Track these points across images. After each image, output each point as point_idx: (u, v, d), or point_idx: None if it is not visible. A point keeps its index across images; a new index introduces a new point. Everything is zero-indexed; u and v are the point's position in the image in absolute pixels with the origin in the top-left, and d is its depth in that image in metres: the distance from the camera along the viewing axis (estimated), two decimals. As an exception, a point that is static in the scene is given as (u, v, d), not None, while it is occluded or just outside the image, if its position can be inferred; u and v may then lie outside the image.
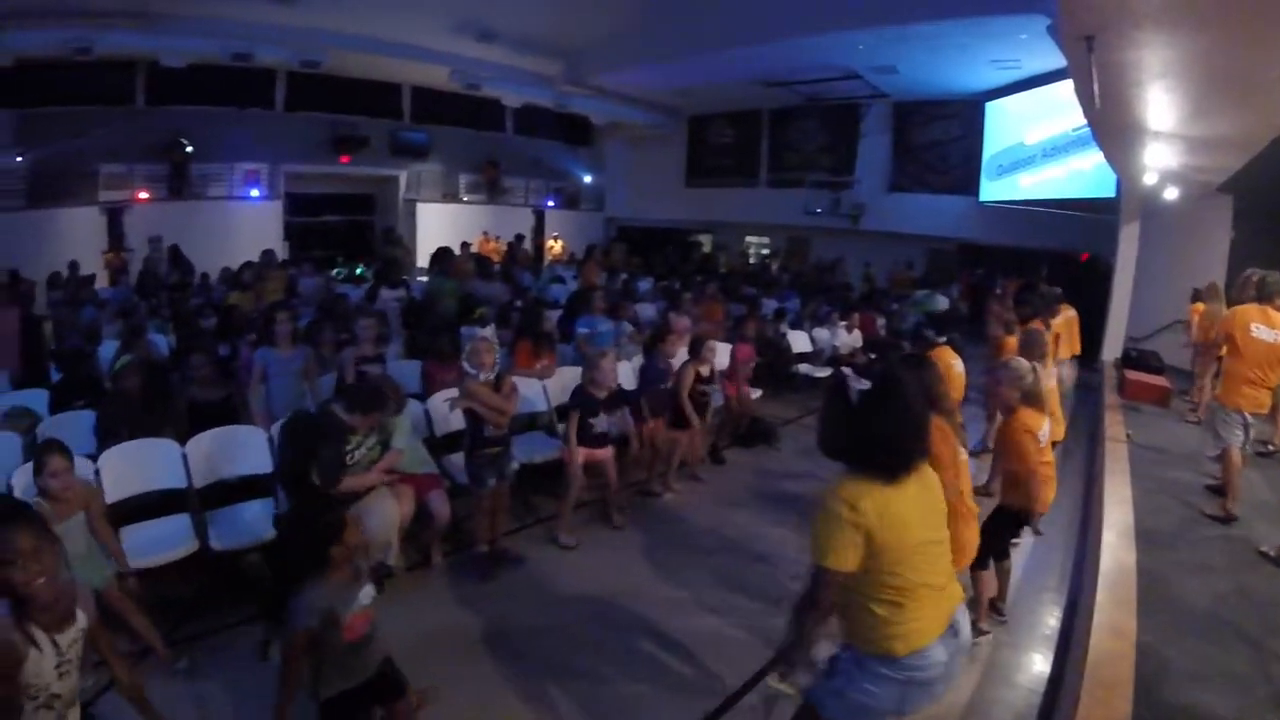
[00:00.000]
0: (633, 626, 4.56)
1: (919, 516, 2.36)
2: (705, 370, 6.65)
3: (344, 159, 19.45)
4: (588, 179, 24.99)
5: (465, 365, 5.06)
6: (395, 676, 3.19)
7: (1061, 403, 7.05)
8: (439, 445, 5.84)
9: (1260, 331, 5.69)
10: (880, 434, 2.30)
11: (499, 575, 5.11)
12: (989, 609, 4.57)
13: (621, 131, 23.20)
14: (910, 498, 2.34)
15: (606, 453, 5.80)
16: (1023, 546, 5.62)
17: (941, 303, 13.13)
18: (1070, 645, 4.19)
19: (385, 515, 4.60)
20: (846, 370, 2.42)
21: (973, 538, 3.70)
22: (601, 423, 5.70)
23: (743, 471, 7.49)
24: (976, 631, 4.27)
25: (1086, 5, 4.83)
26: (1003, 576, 4.65)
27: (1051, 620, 4.76)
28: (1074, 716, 2.99)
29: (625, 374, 6.86)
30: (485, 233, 19.94)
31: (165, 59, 14.40)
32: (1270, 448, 7.23)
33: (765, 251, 22.50)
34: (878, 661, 2.34)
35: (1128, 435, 7.51)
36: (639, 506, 6.40)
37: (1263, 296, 5.81)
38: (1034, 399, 4.41)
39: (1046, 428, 4.47)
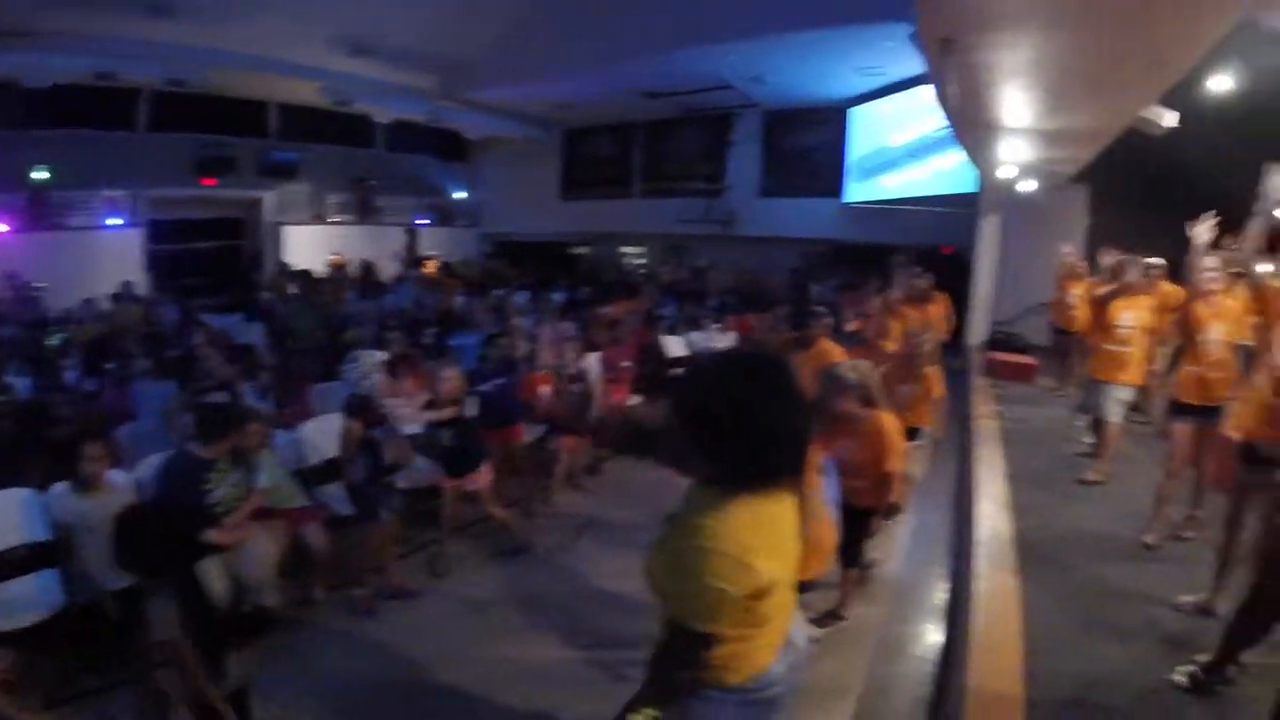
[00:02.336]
0: (545, 667, 4.38)
1: (786, 537, 1.92)
2: (576, 388, 6.72)
3: (209, 181, 18.46)
4: (462, 195, 24.59)
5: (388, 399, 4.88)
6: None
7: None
8: (313, 476, 5.49)
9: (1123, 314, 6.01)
10: (760, 429, 1.80)
11: (389, 614, 4.85)
12: (831, 615, 4.62)
13: (497, 146, 23.02)
14: (787, 513, 1.91)
15: (480, 480, 5.53)
16: (907, 524, 5.86)
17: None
18: (957, 613, 4.33)
19: (259, 555, 4.36)
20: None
21: (829, 539, 3.44)
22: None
23: (628, 479, 7.41)
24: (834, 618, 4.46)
25: (944, 10, 5.03)
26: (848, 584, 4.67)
27: (939, 593, 4.94)
28: (966, 681, 3.05)
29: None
30: (337, 254, 18.98)
31: (28, 79, 13.52)
32: (1143, 417, 7.70)
33: (641, 261, 22.70)
34: (723, 693, 2.04)
35: (998, 411, 7.90)
36: (525, 527, 6.09)
37: (1118, 277, 6.15)
38: (873, 398, 4.29)
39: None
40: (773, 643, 2.04)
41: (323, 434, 5.45)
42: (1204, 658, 3.16)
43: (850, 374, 4.25)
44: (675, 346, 10.38)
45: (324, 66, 16.02)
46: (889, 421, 4.25)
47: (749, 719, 2.07)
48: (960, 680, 3.13)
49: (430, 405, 5.45)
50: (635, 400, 8.46)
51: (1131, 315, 5.92)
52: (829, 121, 18.16)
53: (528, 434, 6.82)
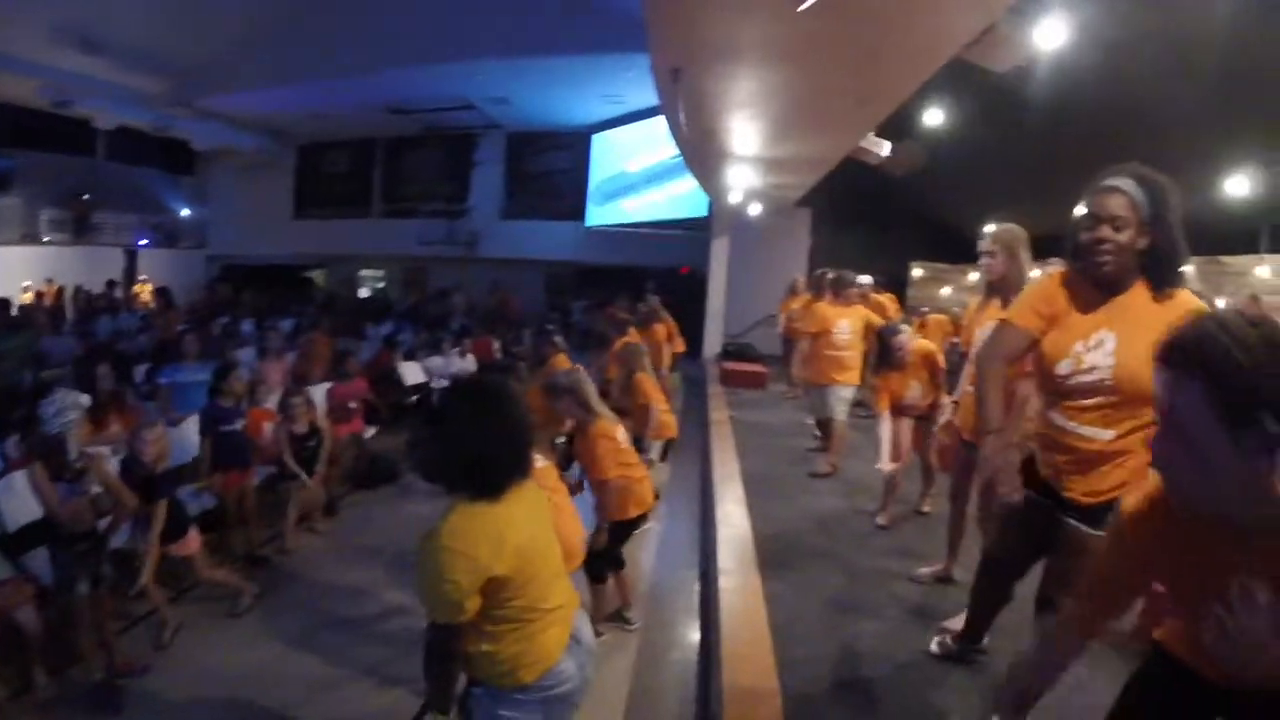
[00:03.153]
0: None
1: (530, 535, 2.19)
2: (301, 428, 6.15)
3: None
4: (189, 212, 22.53)
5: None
6: None
7: (671, 399, 7.68)
8: (14, 542, 4.44)
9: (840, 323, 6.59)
10: (478, 447, 2.12)
11: (120, 700, 4.10)
12: (615, 618, 4.64)
13: (227, 158, 21.39)
14: (519, 516, 2.17)
15: (188, 545, 4.89)
16: (655, 529, 6.02)
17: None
18: (709, 614, 4.46)
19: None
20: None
21: (573, 535, 3.53)
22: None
23: (369, 515, 7.01)
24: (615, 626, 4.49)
25: (673, 41, 5.25)
26: (623, 586, 4.71)
27: (693, 593, 5.07)
28: (723, 677, 3.13)
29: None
30: (49, 280, 16.79)
31: None
32: (866, 411, 8.42)
33: (380, 284, 21.99)
34: (511, 692, 2.23)
35: (730, 416, 8.38)
36: (255, 577, 5.45)
37: (836, 291, 6.73)
38: (591, 407, 4.39)
39: (622, 430, 4.56)
40: (558, 639, 2.28)
41: (23, 492, 4.61)
42: (953, 624, 3.35)
43: (564, 380, 4.41)
44: (413, 373, 10.14)
45: (43, 62, 14.19)
46: (603, 429, 4.35)
47: (548, 715, 2.29)
48: (718, 680, 3.19)
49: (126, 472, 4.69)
50: (371, 431, 8.09)
51: (847, 323, 6.51)
52: (572, 146, 18.60)
53: (256, 476, 6.22)
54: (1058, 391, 2.45)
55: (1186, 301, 2.27)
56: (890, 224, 13.87)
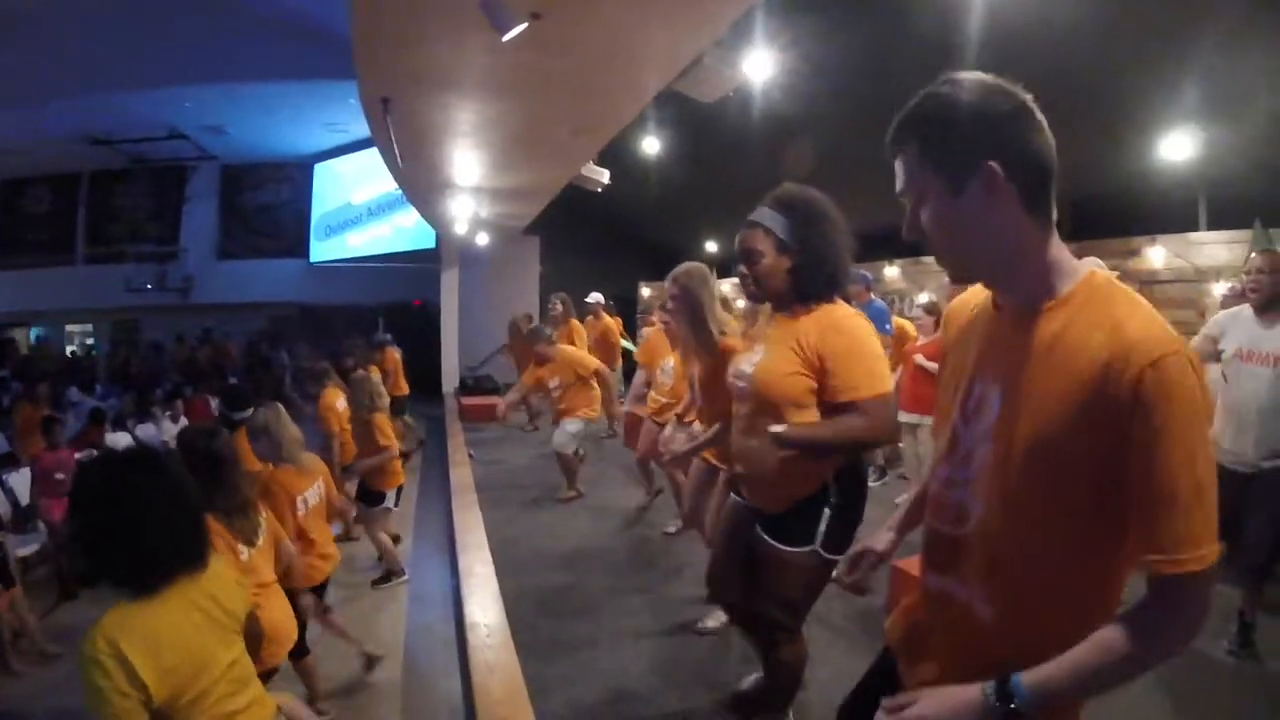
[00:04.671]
0: None
1: (205, 633, 1.87)
2: None
3: None
4: None
5: None
6: None
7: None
8: None
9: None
10: (124, 537, 1.77)
11: None
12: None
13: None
14: (188, 612, 1.85)
15: None
16: (410, 583, 5.80)
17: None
18: (467, 665, 4.27)
19: None
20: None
21: (284, 620, 3.24)
22: None
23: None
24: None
25: (380, 69, 5.08)
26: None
27: (450, 647, 4.84)
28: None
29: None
30: None
31: None
32: (608, 431, 8.70)
33: (90, 341, 19.45)
34: None
35: (470, 455, 8.22)
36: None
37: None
38: (287, 454, 3.99)
39: (317, 489, 4.11)
40: None
41: None
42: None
43: (261, 418, 4.00)
44: (124, 444, 9.06)
45: None
46: (281, 478, 3.93)
47: None
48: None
49: None
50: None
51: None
52: (293, 178, 17.70)
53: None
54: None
55: (827, 313, 2.43)
56: (618, 247, 14.31)
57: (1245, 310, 3.62)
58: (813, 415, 2.38)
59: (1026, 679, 1.13)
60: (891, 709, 1.21)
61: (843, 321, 2.38)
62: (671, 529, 5.54)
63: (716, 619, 3.57)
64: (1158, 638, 1.12)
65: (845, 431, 2.31)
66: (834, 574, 2.04)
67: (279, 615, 3.15)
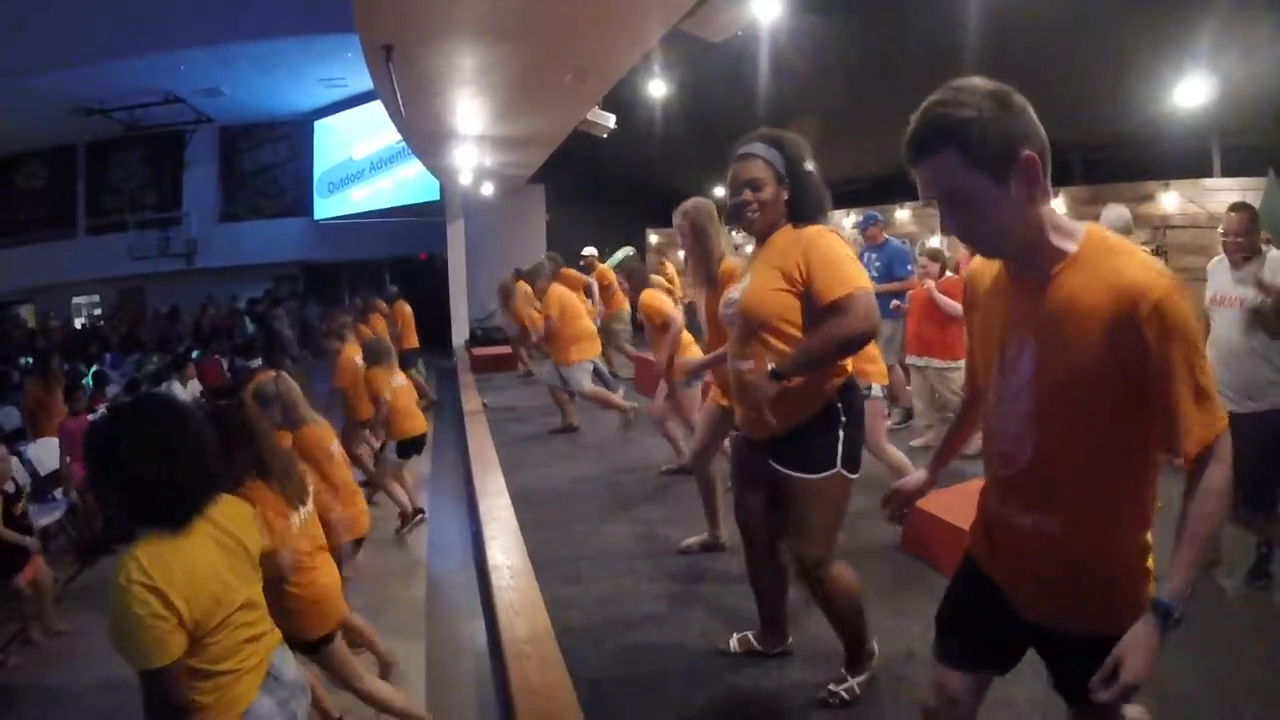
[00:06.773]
0: None
1: (224, 565, 1.98)
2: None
3: None
4: None
5: None
6: None
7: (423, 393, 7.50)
8: None
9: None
10: (148, 474, 1.86)
11: None
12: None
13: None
14: (208, 545, 1.96)
15: None
16: (429, 526, 5.94)
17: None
18: (491, 607, 4.33)
19: None
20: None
21: (336, 583, 3.18)
22: None
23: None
24: None
25: (381, 16, 5.00)
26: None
27: (472, 591, 4.92)
28: (509, 673, 3.05)
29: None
30: None
31: None
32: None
33: (97, 312, 19.42)
34: None
35: (483, 404, 8.35)
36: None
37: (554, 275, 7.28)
38: (302, 416, 4.01)
39: (336, 440, 4.18)
40: (250, 679, 2.04)
41: None
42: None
43: (269, 388, 4.00)
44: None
45: None
46: (311, 435, 3.99)
47: None
48: (506, 676, 3.11)
49: None
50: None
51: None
52: (293, 136, 17.53)
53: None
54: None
55: (813, 234, 2.52)
56: (624, 194, 14.18)
57: (1225, 259, 3.78)
58: (798, 338, 2.49)
59: (1165, 594, 1.34)
60: (1105, 681, 1.33)
61: (821, 235, 2.51)
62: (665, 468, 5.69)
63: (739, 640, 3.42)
64: (1216, 492, 1.35)
65: (830, 334, 2.39)
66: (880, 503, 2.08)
67: (332, 580, 3.11)
